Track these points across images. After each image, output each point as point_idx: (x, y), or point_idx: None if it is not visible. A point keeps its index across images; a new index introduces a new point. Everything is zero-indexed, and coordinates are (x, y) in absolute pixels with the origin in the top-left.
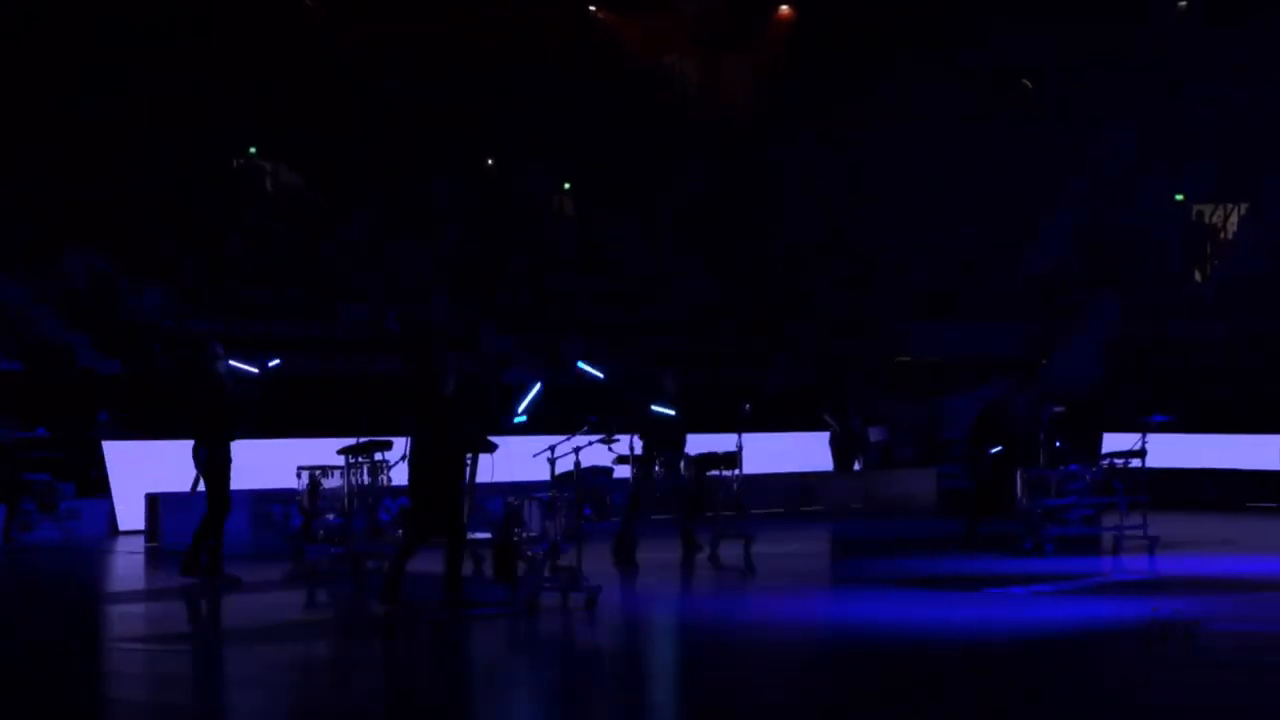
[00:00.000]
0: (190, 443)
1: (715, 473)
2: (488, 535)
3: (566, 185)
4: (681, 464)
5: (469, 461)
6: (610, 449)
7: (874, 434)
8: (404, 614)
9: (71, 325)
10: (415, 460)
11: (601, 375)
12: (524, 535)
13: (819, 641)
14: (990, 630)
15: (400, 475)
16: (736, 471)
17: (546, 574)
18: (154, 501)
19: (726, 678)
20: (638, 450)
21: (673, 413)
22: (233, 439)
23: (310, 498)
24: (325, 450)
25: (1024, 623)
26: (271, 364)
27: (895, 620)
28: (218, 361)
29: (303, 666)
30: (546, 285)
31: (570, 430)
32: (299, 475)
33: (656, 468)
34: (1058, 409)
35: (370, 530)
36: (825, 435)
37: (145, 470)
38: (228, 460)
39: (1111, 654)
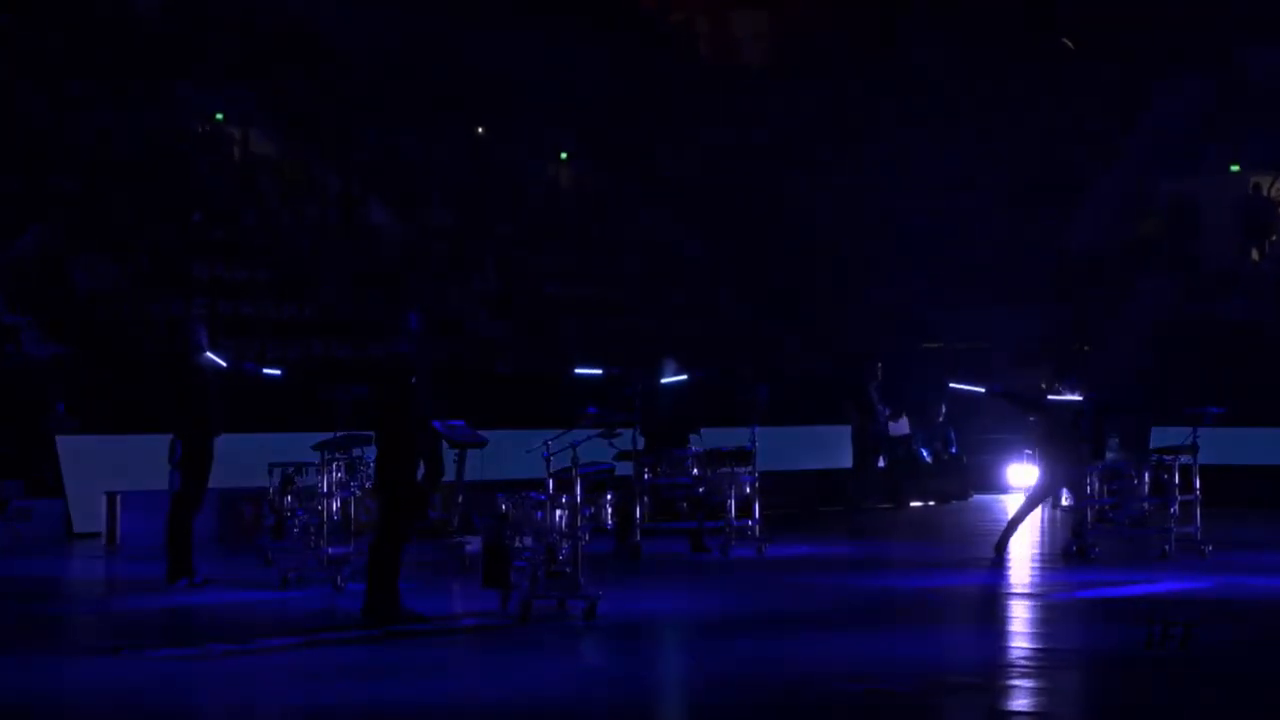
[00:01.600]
0: (169, 437)
1: (726, 469)
2: (477, 537)
3: (564, 155)
4: (690, 460)
5: (456, 458)
6: (611, 444)
7: (894, 428)
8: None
9: (17, 306)
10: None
11: (600, 372)
12: (517, 537)
13: (830, 657)
14: (1021, 645)
15: None
16: (750, 469)
17: (541, 580)
18: (113, 501)
19: (731, 702)
20: (640, 445)
21: (684, 377)
22: (216, 434)
23: (282, 497)
24: (300, 445)
25: (1062, 634)
26: (268, 371)
27: (920, 630)
28: (201, 351)
29: (270, 680)
30: (540, 264)
31: (567, 424)
32: (270, 472)
33: (662, 464)
34: (1095, 397)
35: (347, 532)
36: (847, 429)
37: (103, 467)
38: (209, 457)
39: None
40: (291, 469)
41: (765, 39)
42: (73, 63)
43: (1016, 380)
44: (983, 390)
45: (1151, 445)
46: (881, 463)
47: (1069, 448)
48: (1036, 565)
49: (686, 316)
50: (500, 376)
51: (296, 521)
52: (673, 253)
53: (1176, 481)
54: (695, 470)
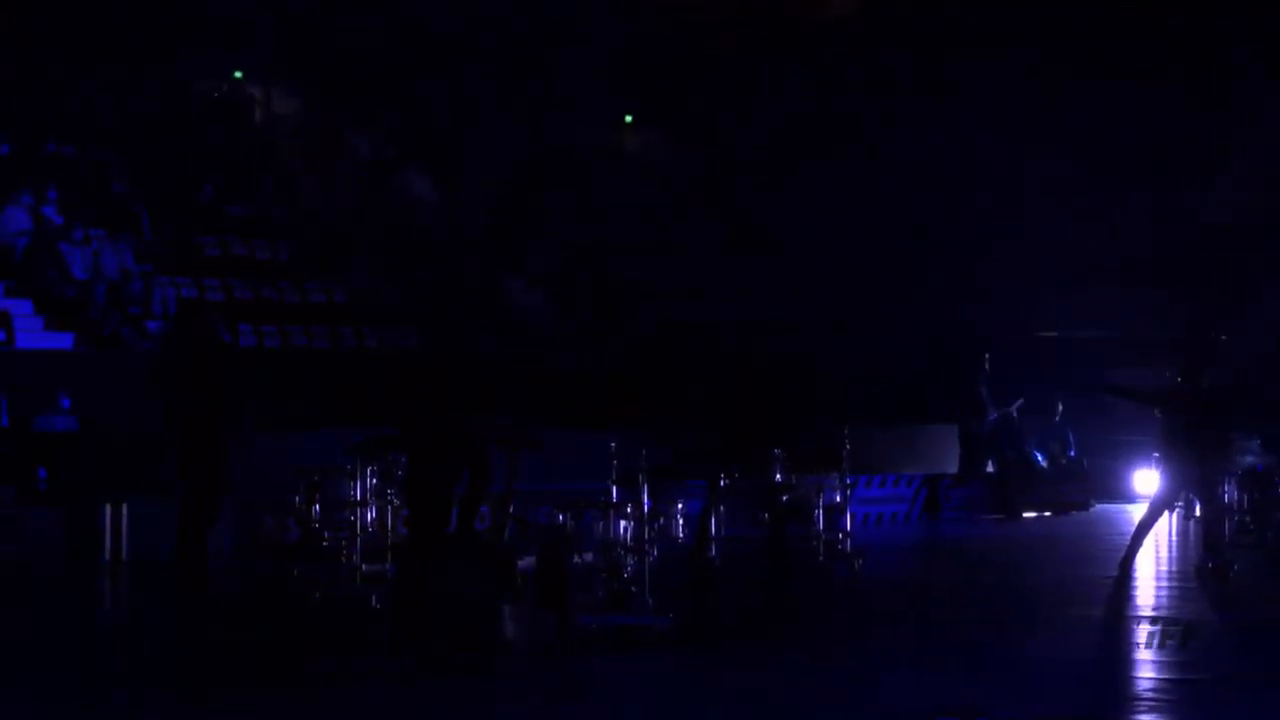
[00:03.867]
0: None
1: (814, 474)
2: (530, 552)
3: (629, 118)
4: (772, 464)
5: (506, 461)
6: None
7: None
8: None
9: (10, 289)
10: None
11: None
12: (576, 552)
13: (933, 686)
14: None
15: None
16: (841, 473)
17: (604, 601)
18: (116, 509)
19: None
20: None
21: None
22: (225, 430)
23: (309, 506)
24: (329, 446)
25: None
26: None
27: (1035, 657)
28: (215, 338)
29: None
30: (593, 243)
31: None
32: (296, 478)
33: (740, 467)
34: (1228, 389)
35: (383, 547)
36: (953, 429)
37: (104, 472)
38: (224, 461)
39: None
40: (319, 475)
41: None
42: (69, 15)
43: (1141, 374)
44: (1095, 385)
45: None
46: (990, 467)
47: (1194, 446)
48: (1167, 584)
49: (768, 301)
50: (556, 371)
51: (325, 535)
52: (753, 230)
53: None
54: (779, 474)
